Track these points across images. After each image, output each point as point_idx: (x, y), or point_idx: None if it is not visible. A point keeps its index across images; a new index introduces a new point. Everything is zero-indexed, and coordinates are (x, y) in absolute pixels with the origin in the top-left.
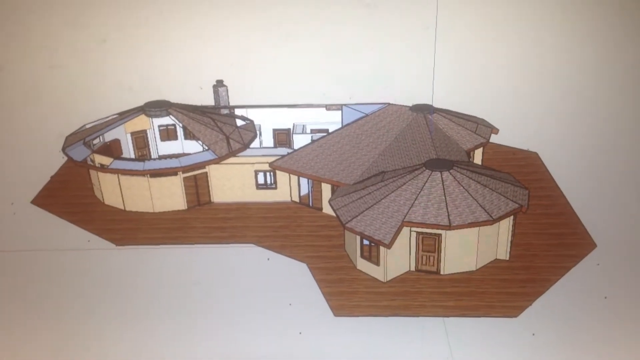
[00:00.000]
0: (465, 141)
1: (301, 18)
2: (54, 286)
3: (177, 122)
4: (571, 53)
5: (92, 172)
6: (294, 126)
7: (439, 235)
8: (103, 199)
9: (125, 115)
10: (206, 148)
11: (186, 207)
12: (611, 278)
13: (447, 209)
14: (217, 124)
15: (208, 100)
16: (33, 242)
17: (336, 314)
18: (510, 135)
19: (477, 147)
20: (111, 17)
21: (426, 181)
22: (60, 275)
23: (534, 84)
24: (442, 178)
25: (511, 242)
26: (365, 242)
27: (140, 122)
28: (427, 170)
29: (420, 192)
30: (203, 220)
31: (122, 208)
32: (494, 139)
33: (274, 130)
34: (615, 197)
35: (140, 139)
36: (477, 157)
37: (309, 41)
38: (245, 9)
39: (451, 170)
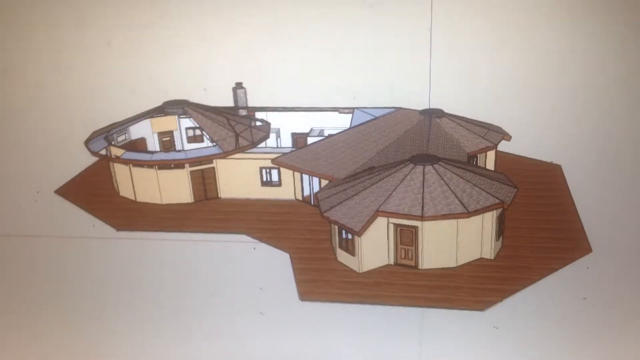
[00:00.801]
0: (470, 144)
1: (303, 19)
2: (44, 269)
3: (192, 119)
4: (605, 56)
5: (111, 165)
6: (311, 130)
7: (416, 227)
8: (119, 190)
9: (149, 115)
10: (214, 144)
11: (193, 201)
12: (597, 281)
13: (422, 200)
14: (230, 123)
15: (212, 102)
16: (43, 227)
17: (302, 299)
18: (535, 146)
19: (482, 150)
20: (115, 19)
21: (407, 174)
22: (54, 258)
23: (563, 91)
24: (423, 171)
25: (501, 242)
26: (344, 234)
27: (167, 123)
28: (411, 164)
29: (399, 185)
30: (203, 212)
31: (134, 199)
32: (517, 150)
33: (293, 134)
34: (624, 207)
35: (167, 141)
36: (489, 164)
37: (311, 43)
38: (249, 10)
39: (435, 165)
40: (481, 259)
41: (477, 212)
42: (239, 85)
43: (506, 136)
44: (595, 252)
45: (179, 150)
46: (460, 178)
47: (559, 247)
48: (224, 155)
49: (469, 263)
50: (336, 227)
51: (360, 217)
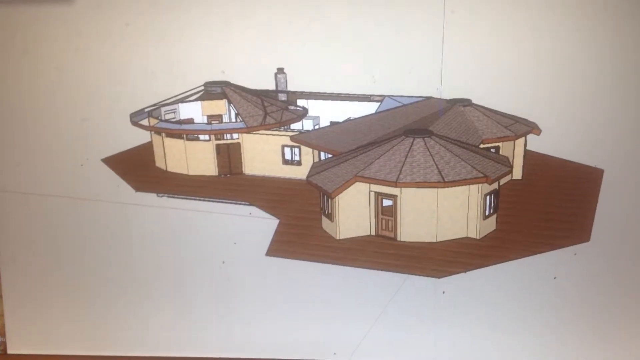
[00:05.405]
0: (489, 132)
1: (325, 3)
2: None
3: (227, 97)
4: None
5: (152, 138)
6: (348, 119)
7: (395, 196)
8: (155, 161)
9: (193, 95)
10: (240, 120)
11: (217, 174)
12: (578, 268)
13: (401, 168)
14: (264, 104)
15: (258, 86)
16: (72, 188)
17: (267, 254)
18: (586, 153)
19: (501, 139)
20: (134, 1)
21: (395, 145)
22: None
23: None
24: (412, 143)
25: (493, 224)
26: (325, 199)
27: (217, 107)
28: (402, 137)
29: (384, 154)
30: (221, 184)
31: (165, 169)
32: (561, 154)
33: (331, 123)
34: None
35: (216, 124)
36: (517, 158)
37: (332, 27)
38: None
39: (426, 138)
40: (467, 237)
41: (454, 183)
42: (280, 71)
43: (535, 130)
44: (592, 242)
45: (208, 123)
46: (449, 152)
47: (555, 235)
48: (248, 130)
49: (451, 240)
50: (321, 193)
51: (338, 181)
